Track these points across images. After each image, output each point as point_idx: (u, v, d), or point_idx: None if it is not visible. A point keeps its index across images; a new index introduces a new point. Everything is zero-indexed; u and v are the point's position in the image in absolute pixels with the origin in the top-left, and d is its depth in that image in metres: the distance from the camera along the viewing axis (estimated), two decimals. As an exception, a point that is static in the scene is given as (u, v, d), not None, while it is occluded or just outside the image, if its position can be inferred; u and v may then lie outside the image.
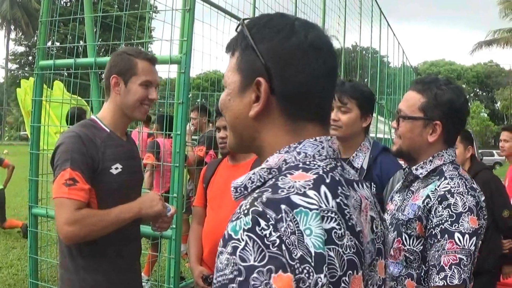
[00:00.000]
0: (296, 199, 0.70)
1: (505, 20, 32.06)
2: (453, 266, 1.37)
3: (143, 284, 4.33)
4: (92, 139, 1.77)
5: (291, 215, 0.68)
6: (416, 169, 1.59)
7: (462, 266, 1.37)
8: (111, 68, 1.86)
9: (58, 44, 3.55)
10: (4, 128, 42.28)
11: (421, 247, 1.48)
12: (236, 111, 0.85)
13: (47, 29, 3.06)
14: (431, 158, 1.58)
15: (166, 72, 2.60)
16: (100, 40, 3.23)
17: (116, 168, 1.80)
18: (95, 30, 3.10)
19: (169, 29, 2.78)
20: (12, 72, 45.58)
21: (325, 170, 0.78)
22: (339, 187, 0.76)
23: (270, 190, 0.72)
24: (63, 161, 1.70)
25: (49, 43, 3.35)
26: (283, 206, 0.69)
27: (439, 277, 1.38)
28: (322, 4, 6.75)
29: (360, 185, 0.86)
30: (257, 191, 0.74)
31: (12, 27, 45.49)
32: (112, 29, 3.20)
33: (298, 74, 0.79)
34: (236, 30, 0.85)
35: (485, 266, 3.03)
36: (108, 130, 1.85)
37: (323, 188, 0.73)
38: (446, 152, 1.58)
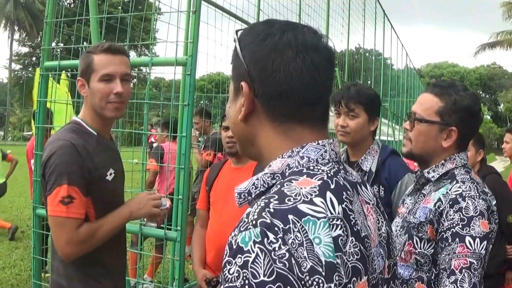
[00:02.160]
0: (303, 207, 0.70)
1: (508, 22, 31.99)
2: (463, 270, 1.36)
3: (146, 285, 4.35)
4: (85, 147, 1.67)
5: (299, 224, 0.68)
6: (428, 172, 1.58)
7: (472, 270, 1.36)
8: (79, 71, 1.78)
9: (62, 45, 3.56)
10: (7, 129, 42.43)
11: (432, 250, 1.48)
12: (233, 117, 0.86)
13: (52, 30, 3.06)
14: (443, 161, 1.57)
15: (171, 74, 2.59)
16: (104, 41, 3.22)
17: (111, 174, 1.75)
18: (99, 31, 3.09)
19: (173, 30, 2.77)
20: (16, 72, 45.70)
21: (329, 175, 0.78)
22: (344, 192, 0.76)
23: (276, 197, 0.72)
24: (59, 176, 1.59)
25: (53, 44, 3.34)
26: (290, 216, 0.69)
27: (449, 281, 1.37)
28: (326, 6, 6.76)
29: (363, 187, 0.86)
30: (262, 197, 0.74)
31: (16, 28, 45.63)
32: (117, 31, 3.19)
33: (275, 74, 0.79)
34: (234, 41, 0.86)
35: (488, 271, 2.99)
36: (96, 133, 1.76)
37: (328, 195, 0.73)
38: (458, 156, 1.57)
